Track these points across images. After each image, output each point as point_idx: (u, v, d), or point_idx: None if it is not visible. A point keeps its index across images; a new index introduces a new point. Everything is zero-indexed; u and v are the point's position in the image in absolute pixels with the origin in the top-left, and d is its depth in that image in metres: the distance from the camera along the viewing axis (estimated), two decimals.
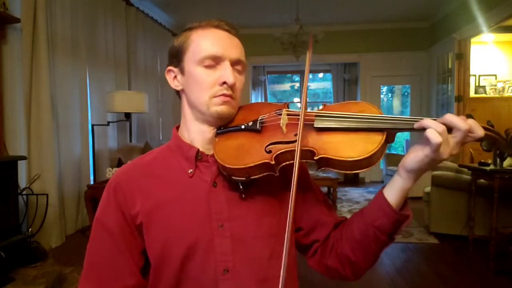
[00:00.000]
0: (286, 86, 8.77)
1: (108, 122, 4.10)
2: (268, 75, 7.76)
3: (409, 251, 3.22)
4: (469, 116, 0.67)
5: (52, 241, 3.25)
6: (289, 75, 8.38)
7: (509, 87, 6.01)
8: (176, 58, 0.80)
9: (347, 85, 7.33)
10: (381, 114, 0.72)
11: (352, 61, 7.01)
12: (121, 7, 4.66)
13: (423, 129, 0.65)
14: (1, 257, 2.33)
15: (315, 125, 0.72)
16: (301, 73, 7.84)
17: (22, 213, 2.83)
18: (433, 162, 0.66)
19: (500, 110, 5.94)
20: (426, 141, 0.65)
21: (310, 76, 8.13)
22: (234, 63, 0.77)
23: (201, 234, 0.74)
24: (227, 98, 0.76)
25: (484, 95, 6.07)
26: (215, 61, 0.75)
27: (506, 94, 5.99)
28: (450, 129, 0.64)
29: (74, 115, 3.76)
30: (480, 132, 0.65)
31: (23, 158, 2.85)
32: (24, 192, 2.91)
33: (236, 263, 0.74)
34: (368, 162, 0.68)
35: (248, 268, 0.74)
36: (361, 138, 0.69)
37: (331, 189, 4.54)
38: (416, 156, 0.67)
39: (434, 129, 0.63)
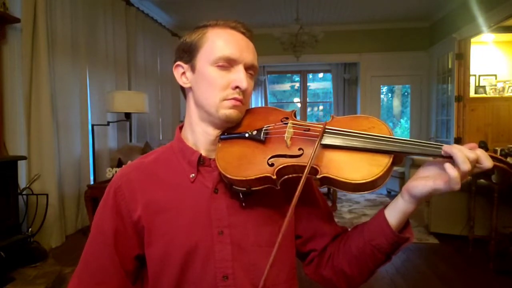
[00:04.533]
0: (286, 86, 8.77)
1: (108, 122, 4.10)
2: (268, 75, 7.76)
3: (409, 251, 3.22)
4: (481, 143, 0.64)
5: (52, 241, 3.25)
6: (289, 75, 8.38)
7: (509, 87, 6.01)
8: (188, 54, 0.77)
9: (347, 85, 7.33)
10: (390, 133, 0.69)
11: (352, 61, 7.01)
12: (121, 7, 4.66)
13: (440, 156, 0.63)
14: (1, 257, 2.33)
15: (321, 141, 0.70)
16: (301, 73, 7.85)
17: (22, 213, 2.83)
18: (440, 193, 0.65)
19: (500, 110, 5.94)
20: (441, 175, 0.63)
21: (310, 76, 8.13)
22: (247, 67, 0.76)
23: (201, 240, 0.74)
24: (238, 103, 0.75)
25: (484, 95, 6.07)
26: (229, 63, 0.74)
27: (506, 94, 5.99)
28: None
29: (74, 115, 3.75)
30: (488, 163, 0.61)
31: (23, 158, 2.85)
32: (24, 192, 2.91)
33: (235, 270, 0.73)
34: (372, 185, 0.65)
35: (247, 275, 0.74)
36: (367, 159, 0.66)
37: (331, 189, 4.54)
38: (425, 186, 0.65)
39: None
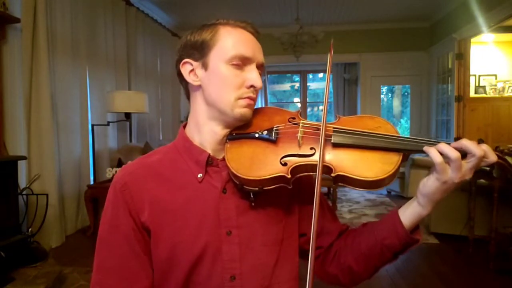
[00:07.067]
0: (286, 86, 8.77)
1: (108, 122, 4.10)
2: (268, 75, 7.77)
3: (409, 251, 3.22)
4: (480, 141, 0.68)
5: (52, 241, 3.25)
6: (289, 75, 8.38)
7: (509, 87, 6.01)
8: (199, 51, 0.75)
9: (347, 85, 7.33)
10: (396, 132, 0.72)
11: (352, 61, 7.00)
12: (121, 7, 4.66)
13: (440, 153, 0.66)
14: (1, 257, 2.32)
15: (332, 140, 0.71)
16: (301, 73, 7.85)
17: (22, 213, 2.83)
18: (445, 186, 0.67)
19: (500, 110, 5.95)
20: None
21: (310, 76, 8.13)
22: (258, 67, 0.77)
23: (209, 241, 0.73)
24: (252, 102, 0.75)
25: (484, 95, 6.08)
26: (243, 62, 0.74)
27: (506, 94, 5.99)
28: (464, 154, 0.65)
29: (74, 115, 3.75)
30: (493, 157, 0.65)
31: (23, 158, 2.85)
32: (24, 192, 2.91)
33: (243, 270, 0.73)
34: (383, 182, 0.68)
35: (255, 275, 0.74)
36: (378, 158, 0.68)
37: (331, 189, 4.53)
38: (428, 179, 0.68)
39: (436, 150, 0.64)
